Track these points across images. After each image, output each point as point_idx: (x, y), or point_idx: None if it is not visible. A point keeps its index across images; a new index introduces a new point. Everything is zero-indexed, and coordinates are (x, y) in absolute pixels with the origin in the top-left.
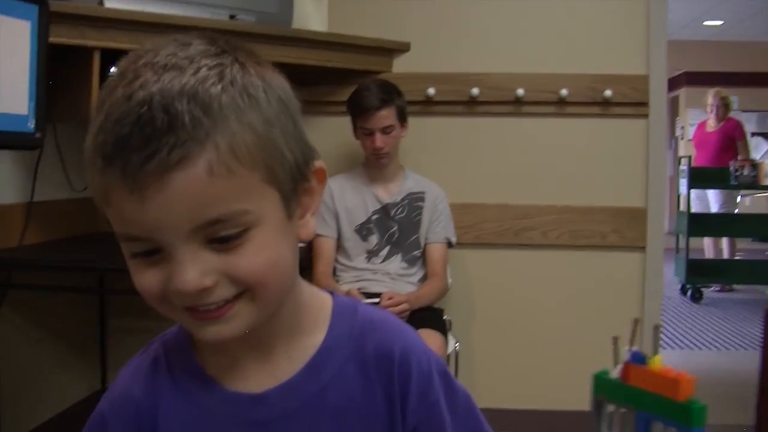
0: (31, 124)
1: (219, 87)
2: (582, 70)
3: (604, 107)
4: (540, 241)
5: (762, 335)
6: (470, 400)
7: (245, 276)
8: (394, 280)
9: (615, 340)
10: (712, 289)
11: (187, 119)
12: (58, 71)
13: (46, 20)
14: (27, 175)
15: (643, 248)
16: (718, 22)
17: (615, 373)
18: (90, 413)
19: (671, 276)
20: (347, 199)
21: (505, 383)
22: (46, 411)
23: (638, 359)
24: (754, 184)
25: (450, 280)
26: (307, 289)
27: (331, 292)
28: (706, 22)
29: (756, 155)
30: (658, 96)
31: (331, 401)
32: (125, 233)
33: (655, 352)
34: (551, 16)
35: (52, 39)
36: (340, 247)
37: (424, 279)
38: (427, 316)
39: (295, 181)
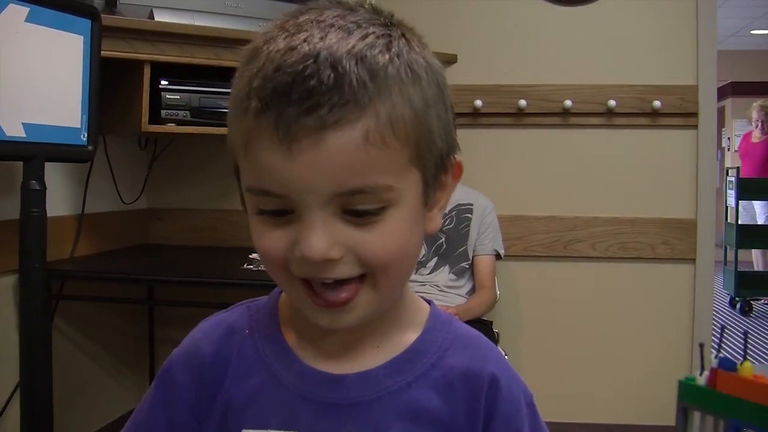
0: (83, 137)
1: (387, 56)
2: (630, 81)
3: (653, 118)
4: (589, 254)
5: None
6: None
7: (374, 256)
8: (443, 292)
9: (701, 346)
10: (762, 301)
11: (354, 80)
12: (109, 84)
13: (98, 34)
14: (78, 187)
15: (693, 260)
16: (765, 31)
17: (702, 380)
18: None
19: (720, 289)
20: None
21: (554, 396)
22: (96, 421)
23: (727, 365)
24: None
25: (498, 293)
26: (408, 290)
27: (430, 302)
28: (753, 31)
29: None
30: (707, 106)
31: (407, 402)
32: (258, 187)
33: (745, 358)
34: (599, 27)
35: (103, 52)
36: None
37: (472, 291)
38: (477, 329)
39: (437, 168)
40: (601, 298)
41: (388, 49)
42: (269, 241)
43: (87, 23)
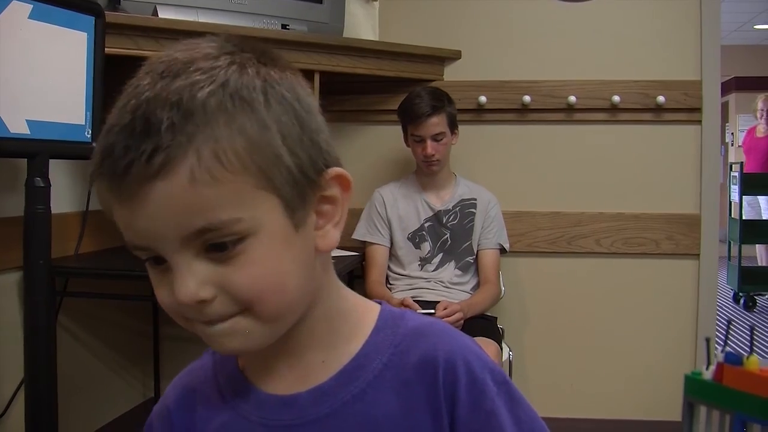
0: (87, 134)
1: (206, 91)
2: (634, 77)
3: (657, 113)
4: (593, 249)
5: None
6: (538, 419)
7: (242, 288)
8: (448, 288)
9: (707, 340)
10: (766, 297)
11: (164, 126)
12: (113, 81)
13: (102, 31)
14: (83, 184)
15: (697, 255)
16: None
17: (708, 374)
18: (143, 420)
19: (724, 284)
20: (399, 207)
21: (558, 391)
22: (100, 418)
23: (733, 360)
24: None
25: (503, 288)
26: (351, 297)
27: (380, 302)
28: (757, 26)
29: None
30: (711, 101)
31: (364, 410)
32: (128, 242)
33: (751, 352)
34: (602, 23)
35: (107, 49)
36: (392, 255)
37: (477, 287)
38: (482, 324)
39: (299, 187)
40: (606, 293)
41: (212, 83)
42: (160, 293)
43: (91, 20)
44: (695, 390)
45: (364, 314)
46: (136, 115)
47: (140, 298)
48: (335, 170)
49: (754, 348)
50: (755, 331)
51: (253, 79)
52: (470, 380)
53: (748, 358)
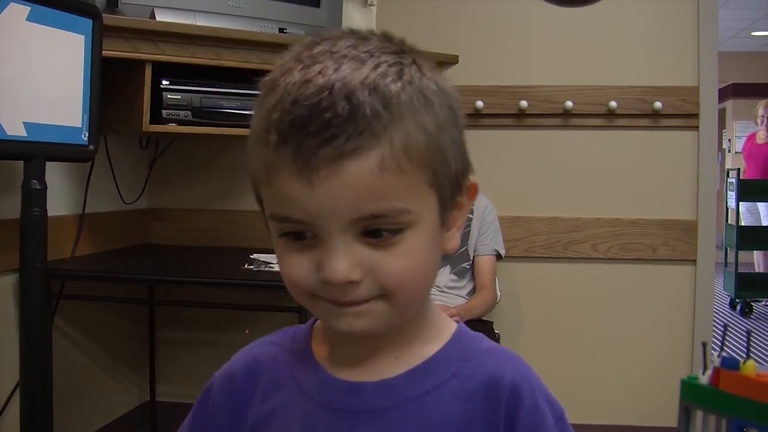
0: (84, 137)
1: (399, 84)
2: (631, 82)
3: (654, 119)
4: (589, 255)
5: None
6: None
7: (392, 276)
8: (444, 293)
9: (704, 345)
10: (762, 303)
11: (368, 111)
12: (110, 84)
13: (99, 34)
14: (79, 187)
15: (693, 261)
16: (766, 33)
17: (704, 378)
18: (140, 423)
19: (720, 290)
20: None
21: (556, 397)
22: (96, 421)
23: (730, 364)
24: None
25: (499, 293)
26: (434, 306)
27: (458, 322)
28: (755, 33)
29: None
30: (708, 107)
31: (424, 411)
32: (281, 214)
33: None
34: (600, 28)
35: (104, 52)
36: None
37: (473, 292)
38: (478, 329)
39: (453, 190)
40: (602, 299)
41: (400, 77)
42: (292, 265)
43: (88, 23)
44: (691, 395)
45: (443, 325)
46: (333, 93)
47: (136, 301)
48: (473, 179)
49: (751, 353)
50: (752, 337)
51: (430, 82)
52: (532, 406)
53: (744, 362)
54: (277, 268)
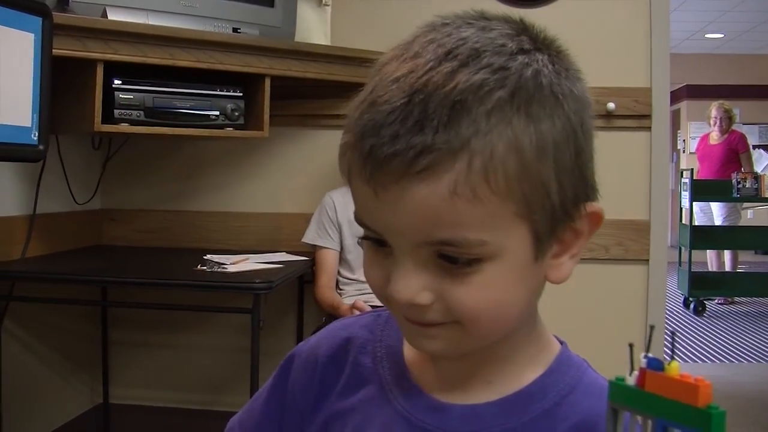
0: (34, 136)
1: (495, 97)
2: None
3: (607, 120)
4: None
5: None
6: None
7: (462, 308)
8: None
9: (631, 346)
10: (715, 301)
11: (441, 124)
12: (62, 83)
13: (49, 32)
14: (30, 187)
15: (646, 261)
16: (720, 35)
17: (631, 379)
18: (93, 426)
19: (674, 289)
20: (350, 210)
21: None
22: (47, 424)
23: (655, 365)
24: (756, 197)
25: None
26: (539, 327)
27: (563, 342)
28: (708, 35)
29: (758, 168)
30: (661, 108)
31: None
32: (358, 216)
33: (672, 357)
34: (553, 28)
35: (55, 51)
36: (342, 259)
37: None
38: None
39: (555, 221)
40: (555, 298)
41: (502, 87)
42: (371, 270)
43: (38, 21)
44: (618, 396)
45: (544, 348)
46: (413, 100)
47: (89, 302)
48: (593, 206)
49: (702, 353)
50: (703, 336)
51: (545, 92)
52: None
53: (669, 363)
54: (230, 269)
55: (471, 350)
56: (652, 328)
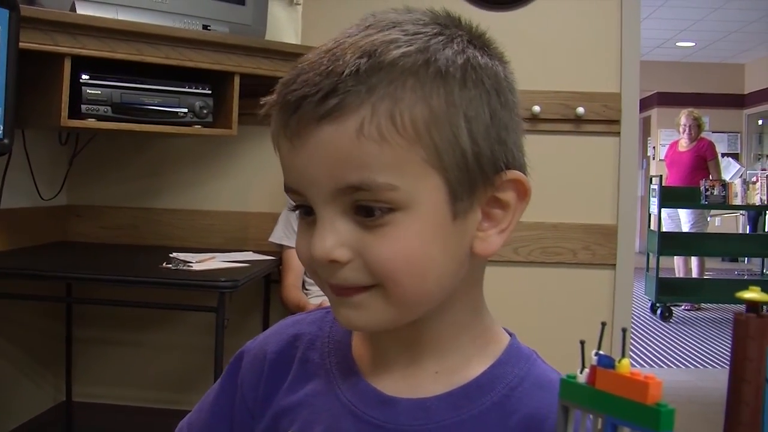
0: None
1: (402, 50)
2: (555, 87)
3: (576, 124)
4: (511, 258)
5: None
6: None
7: (378, 261)
8: None
9: (582, 343)
10: (681, 307)
11: (349, 70)
12: (28, 77)
13: (16, 25)
14: None
15: (613, 266)
16: (691, 44)
17: (582, 377)
18: (55, 424)
19: (641, 294)
20: None
21: None
22: (9, 422)
23: (606, 363)
24: (723, 204)
25: None
26: (487, 319)
27: (512, 335)
28: (680, 43)
29: (726, 175)
30: (630, 114)
31: None
32: (285, 182)
33: (624, 355)
34: (524, 32)
35: (22, 44)
36: None
37: None
38: None
39: (470, 176)
40: (523, 302)
41: (410, 45)
42: (300, 243)
43: (4, 13)
44: (569, 393)
45: (492, 340)
46: (328, 55)
47: (53, 299)
48: (514, 173)
49: (668, 358)
50: (669, 342)
51: (455, 55)
52: None
53: (619, 361)
54: (195, 267)
55: (395, 323)
56: (603, 324)
